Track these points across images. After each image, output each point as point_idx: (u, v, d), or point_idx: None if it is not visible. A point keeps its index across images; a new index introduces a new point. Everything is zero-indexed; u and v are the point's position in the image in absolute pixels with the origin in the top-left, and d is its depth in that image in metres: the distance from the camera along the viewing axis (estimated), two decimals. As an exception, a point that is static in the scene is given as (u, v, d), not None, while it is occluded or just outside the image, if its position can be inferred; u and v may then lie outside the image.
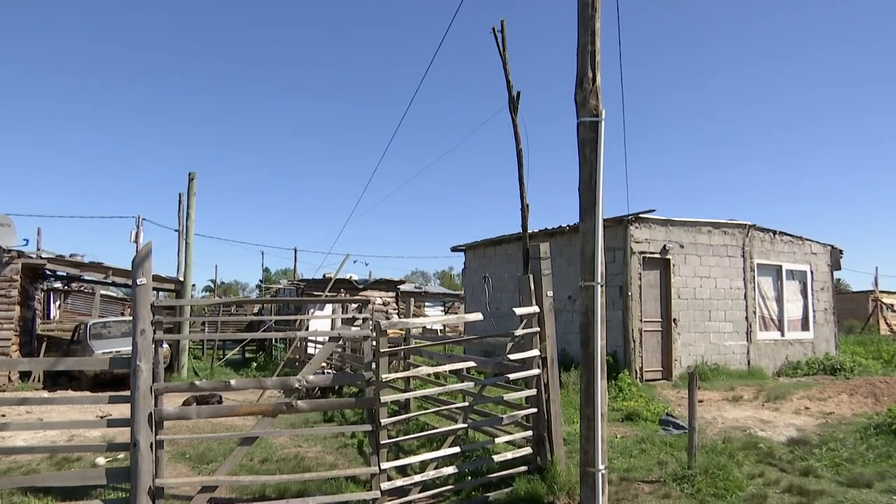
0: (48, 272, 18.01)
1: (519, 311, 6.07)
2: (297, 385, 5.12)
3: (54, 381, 14.93)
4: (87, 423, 5.49)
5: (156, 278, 15.79)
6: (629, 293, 12.19)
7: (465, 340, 8.35)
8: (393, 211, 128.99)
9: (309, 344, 16.71)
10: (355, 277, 23.62)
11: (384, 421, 5.08)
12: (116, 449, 4.96)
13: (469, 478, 5.87)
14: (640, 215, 12.38)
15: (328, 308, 19.38)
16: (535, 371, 6.00)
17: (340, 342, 10.15)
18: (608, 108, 5.40)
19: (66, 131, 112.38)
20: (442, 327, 26.28)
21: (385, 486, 5.03)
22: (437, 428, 6.37)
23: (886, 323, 28.80)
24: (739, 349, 13.70)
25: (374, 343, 5.29)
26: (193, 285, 18.96)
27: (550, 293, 6.16)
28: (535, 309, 6.07)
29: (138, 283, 4.58)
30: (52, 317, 24.55)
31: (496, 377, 6.41)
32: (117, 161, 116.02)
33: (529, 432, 6.07)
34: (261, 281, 46.53)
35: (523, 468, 5.90)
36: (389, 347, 5.58)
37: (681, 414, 8.93)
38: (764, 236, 14.55)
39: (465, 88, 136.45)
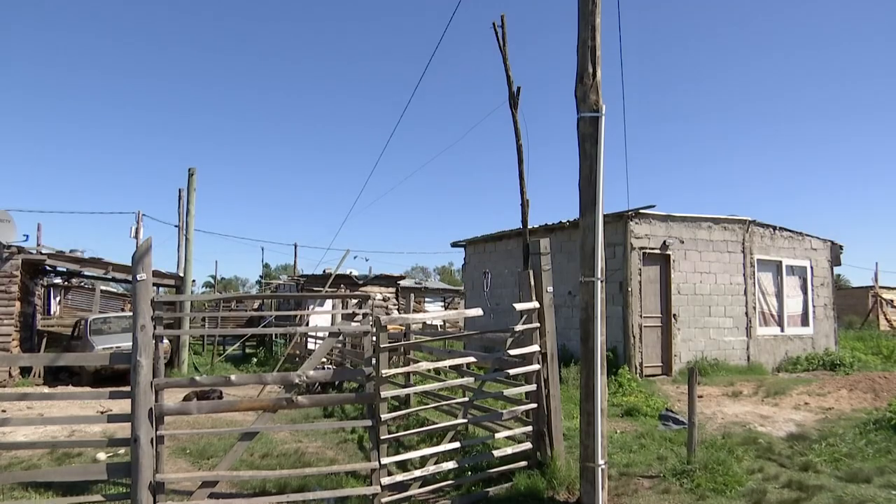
0: (48, 268, 18.01)
1: (519, 306, 6.07)
2: (297, 380, 5.12)
3: (55, 376, 14.94)
4: (87, 419, 5.51)
5: (156, 274, 15.80)
6: (629, 289, 12.19)
7: (465, 336, 8.37)
8: (393, 206, 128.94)
9: (309, 339, 16.73)
10: (355, 273, 23.64)
11: (384, 416, 5.09)
12: (117, 444, 4.98)
13: (469, 473, 5.88)
14: (641, 211, 12.37)
15: (328, 303, 19.40)
16: (535, 366, 6.00)
17: (340, 338, 10.16)
18: (608, 104, 5.40)
19: (66, 126, 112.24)
20: (442, 323, 26.30)
21: (385, 481, 5.04)
22: (437, 423, 6.39)
23: (886, 319, 28.79)
24: (739, 345, 13.71)
25: (375, 338, 5.29)
26: (193, 281, 18.99)
27: (550, 289, 6.16)
28: (534, 304, 6.07)
29: (138, 278, 4.58)
30: (52, 312, 24.58)
31: (496, 373, 6.41)
32: (117, 156, 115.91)
33: (529, 427, 6.08)
34: (261, 276, 46.46)
35: (523, 463, 5.91)
36: (389, 343, 5.58)
37: (680, 409, 8.94)
38: (764, 232, 14.55)
39: (466, 84, 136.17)
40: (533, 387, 6.03)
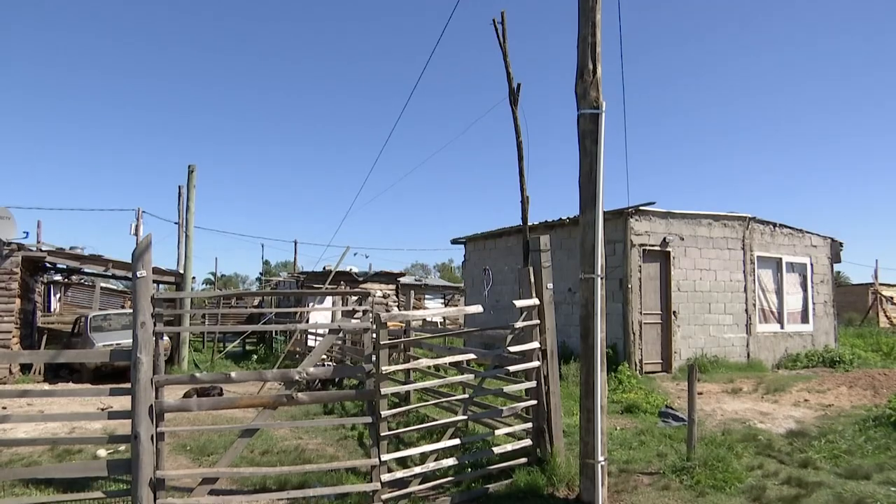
0: (48, 265, 17.99)
1: (519, 303, 6.07)
2: (297, 377, 5.13)
3: (55, 373, 14.96)
4: (88, 416, 5.51)
5: (156, 271, 15.81)
6: (629, 285, 12.19)
7: (465, 333, 8.36)
8: (393, 203, 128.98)
9: (309, 336, 16.73)
10: (355, 270, 23.63)
11: (384, 413, 5.09)
12: (117, 441, 4.98)
13: (469, 469, 5.89)
14: (641, 208, 12.37)
15: (328, 300, 19.39)
16: (535, 363, 6.01)
17: (341, 334, 10.17)
18: (608, 100, 5.39)
19: (66, 124, 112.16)
20: (442, 319, 26.26)
21: (385, 477, 5.05)
22: (437, 420, 6.39)
23: (886, 315, 28.79)
24: (739, 341, 13.72)
25: (375, 335, 5.29)
26: (194, 278, 18.98)
27: (550, 285, 6.16)
28: (534, 301, 6.07)
29: (138, 275, 4.58)
30: (52, 309, 24.59)
31: (496, 369, 6.41)
32: (117, 154, 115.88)
33: (529, 424, 6.08)
34: (261, 273, 46.52)
35: (523, 460, 5.92)
36: (389, 340, 5.58)
37: (680, 406, 8.95)
38: (764, 229, 14.54)
39: (466, 81, 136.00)
40: (533, 383, 6.04)
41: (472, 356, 6.55)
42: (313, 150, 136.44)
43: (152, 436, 4.56)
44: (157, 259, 21.15)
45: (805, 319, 15.21)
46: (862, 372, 12.36)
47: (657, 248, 12.66)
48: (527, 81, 16.93)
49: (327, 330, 6.54)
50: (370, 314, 5.92)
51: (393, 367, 5.54)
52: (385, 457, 5.08)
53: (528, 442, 6.03)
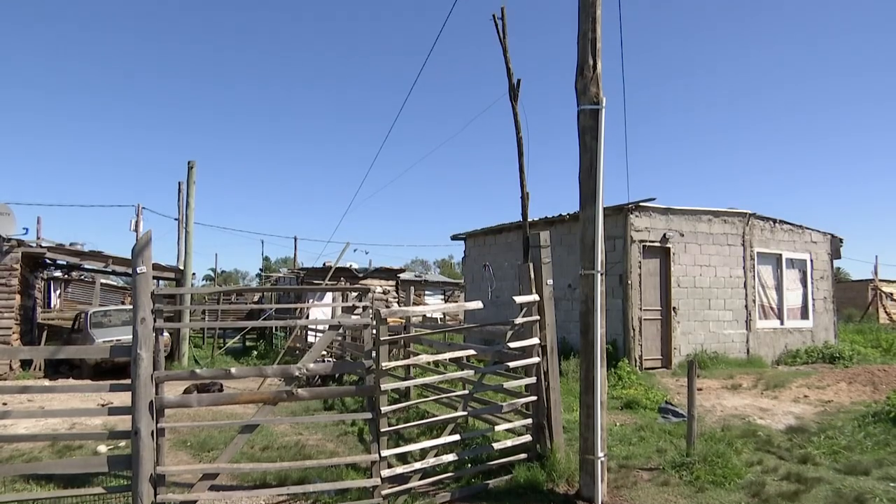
0: (48, 261, 18.00)
1: (519, 299, 6.07)
2: (297, 373, 5.13)
3: (55, 369, 14.97)
4: (88, 411, 5.50)
5: (156, 267, 15.80)
6: (629, 282, 12.19)
7: (465, 329, 8.36)
8: (393, 199, 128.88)
9: (309, 332, 16.74)
10: (355, 266, 23.61)
11: (384, 409, 5.10)
12: (118, 437, 4.97)
13: (469, 465, 5.89)
14: (641, 204, 12.35)
15: (328, 296, 19.40)
16: (535, 359, 6.01)
17: (341, 330, 10.17)
18: (608, 97, 5.38)
19: (66, 120, 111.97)
20: (442, 316, 26.32)
21: (385, 473, 5.06)
22: (437, 416, 6.39)
23: (886, 312, 28.81)
24: (739, 338, 13.73)
25: (375, 331, 5.29)
26: (194, 274, 18.97)
27: (550, 281, 6.16)
28: (534, 297, 6.07)
29: (138, 271, 4.57)
30: (52, 306, 24.57)
31: (496, 365, 6.42)
32: (117, 150, 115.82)
33: (529, 420, 6.09)
34: (261, 269, 46.50)
35: (523, 456, 5.93)
36: (389, 336, 5.58)
37: (680, 402, 8.96)
38: (764, 225, 14.53)
39: (466, 76, 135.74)
40: (533, 379, 6.04)
41: (471, 352, 6.55)
42: (313, 146, 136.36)
43: (152, 432, 4.56)
44: (157, 255, 21.18)
45: (805, 315, 15.21)
46: (861, 368, 12.37)
47: (657, 244, 12.65)
48: (527, 77, 16.90)
49: (327, 326, 6.54)
50: (370, 310, 5.92)
51: (393, 363, 5.54)
52: (385, 452, 5.09)
53: (527, 438, 6.03)
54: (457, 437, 5.70)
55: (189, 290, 12.63)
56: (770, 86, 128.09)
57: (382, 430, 5.10)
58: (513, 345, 6.03)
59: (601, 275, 5.30)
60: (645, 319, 12.42)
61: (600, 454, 5.22)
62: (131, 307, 4.67)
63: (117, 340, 13.13)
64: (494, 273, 16.33)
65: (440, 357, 6.49)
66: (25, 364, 14.67)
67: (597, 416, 5.25)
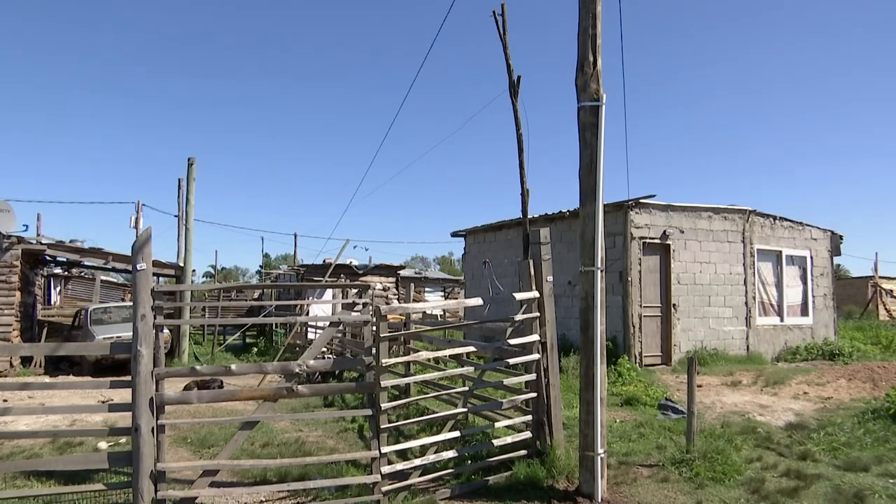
0: (48, 258, 17.99)
1: (519, 296, 6.07)
2: (297, 370, 5.12)
3: (56, 366, 14.97)
4: (88, 408, 5.52)
5: (156, 264, 15.79)
6: (629, 278, 12.19)
7: (465, 325, 8.37)
8: (393, 196, 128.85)
9: (309, 329, 16.74)
10: (355, 263, 23.60)
11: (384, 405, 5.10)
12: (118, 433, 4.99)
13: (469, 462, 5.90)
14: (641, 200, 12.35)
15: (328, 293, 19.41)
16: (535, 356, 6.01)
17: (341, 327, 10.17)
18: (608, 93, 5.37)
19: (65, 117, 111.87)
20: (442, 312, 26.32)
21: (385, 469, 5.06)
22: (437, 412, 6.40)
23: (885, 308, 28.81)
24: (739, 334, 13.73)
25: (375, 328, 5.28)
26: (194, 271, 18.98)
27: (550, 278, 6.16)
28: (534, 294, 6.07)
29: (138, 268, 4.57)
30: (52, 302, 24.59)
31: (496, 362, 6.42)
32: (117, 146, 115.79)
33: (529, 417, 6.09)
34: (261, 266, 46.47)
35: (523, 452, 5.93)
36: (389, 332, 5.58)
37: (680, 399, 8.97)
38: (764, 222, 14.53)
39: (466, 73, 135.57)
40: (533, 376, 6.04)
41: (471, 349, 6.54)
42: (313, 143, 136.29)
43: (153, 428, 4.57)
44: (156, 252, 21.20)
45: (805, 312, 15.21)
46: (861, 365, 12.38)
47: (657, 240, 12.65)
48: (527, 74, 16.87)
49: (327, 323, 6.54)
50: (370, 307, 5.93)
51: (393, 360, 5.54)
52: (385, 449, 5.09)
53: (527, 434, 6.04)
54: (457, 433, 5.70)
55: (189, 286, 12.66)
56: (771, 83, 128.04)
57: (382, 426, 5.10)
58: (513, 341, 6.04)
59: (601, 271, 5.30)
60: (645, 316, 12.42)
61: (600, 450, 5.23)
62: (131, 304, 4.67)
63: (117, 337, 13.14)
64: (494, 270, 16.34)
65: (440, 354, 6.49)
66: (26, 361, 14.69)
67: (597, 412, 5.25)
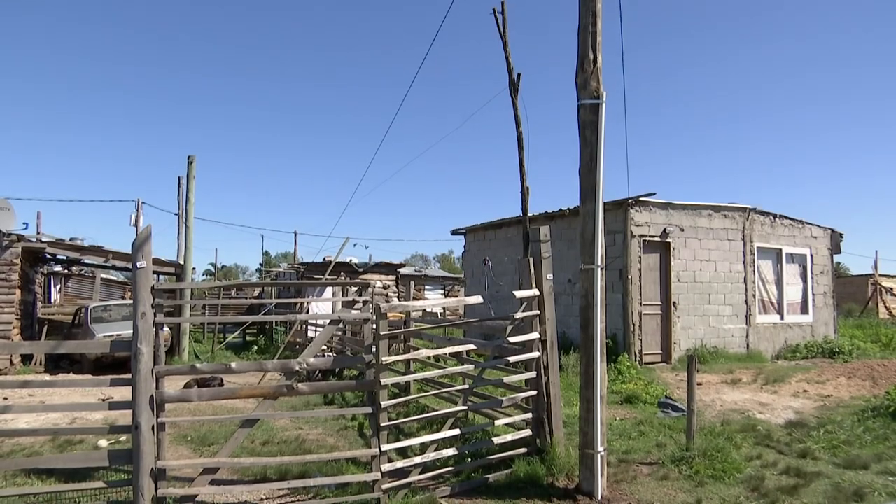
0: (48, 256, 17.99)
1: (519, 294, 6.07)
2: (297, 368, 5.13)
3: (56, 364, 14.98)
4: (88, 406, 5.50)
5: (156, 262, 15.80)
6: (629, 276, 12.19)
7: (465, 323, 8.36)
8: (393, 194, 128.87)
9: (309, 327, 16.74)
10: (355, 261, 23.59)
11: (384, 403, 5.10)
12: (118, 431, 4.99)
13: (469, 459, 5.90)
14: (641, 198, 12.34)
15: (328, 291, 19.40)
16: (535, 354, 6.01)
17: (341, 325, 10.16)
18: (608, 91, 5.36)
19: (66, 114, 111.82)
20: (442, 310, 26.33)
21: (385, 467, 5.07)
22: (437, 410, 6.40)
23: (885, 306, 28.81)
24: (739, 332, 13.73)
25: (375, 326, 5.29)
26: (194, 269, 18.97)
27: (550, 276, 6.16)
28: (534, 292, 6.07)
29: (138, 266, 4.57)
30: (52, 300, 24.58)
31: (496, 360, 6.42)
32: (116, 145, 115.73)
33: (529, 415, 6.10)
34: (261, 264, 46.50)
35: (523, 450, 5.94)
36: (389, 330, 5.58)
37: (680, 397, 8.97)
38: (764, 220, 14.52)
39: (466, 71, 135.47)
40: (533, 374, 6.04)
41: (471, 347, 6.55)
42: (313, 142, 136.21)
43: (153, 426, 4.57)
44: (157, 250, 21.16)
45: (805, 310, 15.21)
46: (861, 363, 12.39)
47: (657, 238, 12.65)
48: (527, 72, 16.86)
49: (327, 321, 6.54)
50: (370, 305, 5.92)
51: (393, 358, 5.55)
52: (385, 447, 5.10)
53: (527, 432, 6.04)
54: (457, 431, 5.71)
55: (189, 284, 12.66)
56: (771, 80, 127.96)
57: (382, 424, 5.11)
58: (513, 339, 6.04)
59: (601, 269, 5.30)
60: (645, 314, 12.42)
61: (600, 448, 5.23)
62: (131, 302, 4.67)
63: (118, 335, 13.16)
64: (494, 268, 16.34)
65: (440, 352, 6.49)
66: (26, 359, 14.69)
67: (597, 410, 5.25)
